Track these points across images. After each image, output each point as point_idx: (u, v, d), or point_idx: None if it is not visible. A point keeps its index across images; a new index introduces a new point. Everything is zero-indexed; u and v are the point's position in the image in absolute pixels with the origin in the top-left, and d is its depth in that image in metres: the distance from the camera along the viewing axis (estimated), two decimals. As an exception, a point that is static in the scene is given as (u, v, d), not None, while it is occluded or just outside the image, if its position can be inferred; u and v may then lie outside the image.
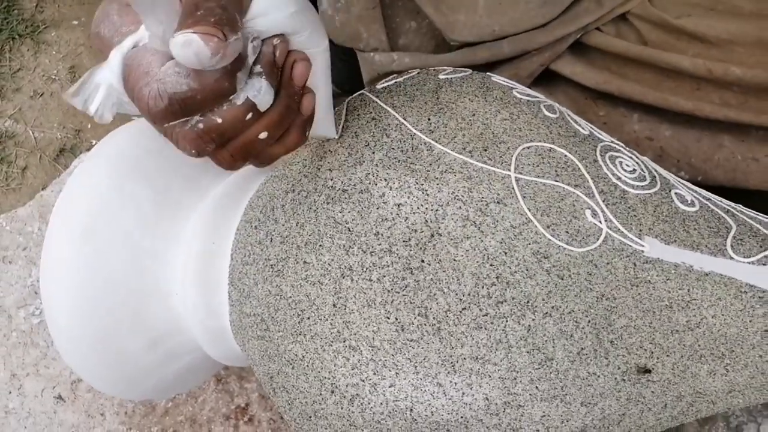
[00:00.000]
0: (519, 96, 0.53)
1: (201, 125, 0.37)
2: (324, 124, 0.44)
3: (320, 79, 0.41)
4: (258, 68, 0.37)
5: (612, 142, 0.53)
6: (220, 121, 0.37)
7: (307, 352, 0.47)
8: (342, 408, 0.46)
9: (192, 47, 0.32)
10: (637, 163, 0.52)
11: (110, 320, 0.57)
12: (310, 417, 0.49)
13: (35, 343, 0.91)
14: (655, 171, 0.52)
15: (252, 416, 0.87)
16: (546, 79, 0.72)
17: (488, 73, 0.57)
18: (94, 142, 1.13)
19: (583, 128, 0.53)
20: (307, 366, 0.47)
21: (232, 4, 0.36)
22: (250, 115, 0.38)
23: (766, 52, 0.61)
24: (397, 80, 0.54)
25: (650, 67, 0.66)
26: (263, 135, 0.39)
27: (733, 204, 0.53)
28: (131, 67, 0.37)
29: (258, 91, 0.37)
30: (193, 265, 0.58)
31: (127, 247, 0.57)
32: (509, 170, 0.47)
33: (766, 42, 0.61)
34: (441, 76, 0.54)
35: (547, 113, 0.52)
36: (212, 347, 0.62)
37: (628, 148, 0.53)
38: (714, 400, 0.48)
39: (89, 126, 1.14)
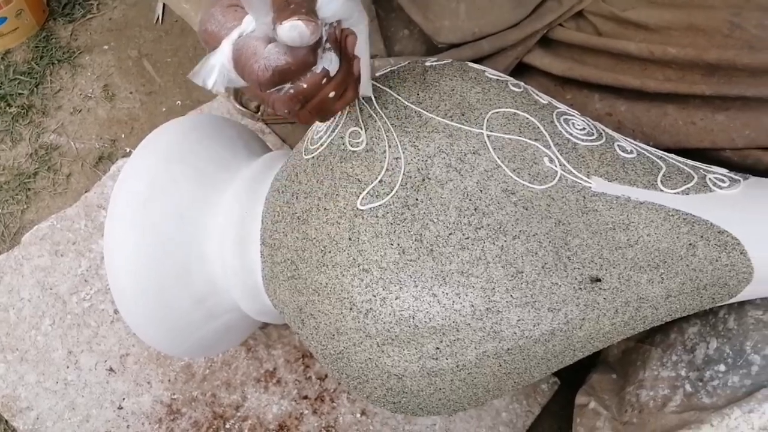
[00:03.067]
0: (490, 76, 0.66)
1: (292, 90, 0.50)
2: (365, 85, 0.57)
3: (363, 48, 0.53)
4: (328, 45, 0.49)
5: (567, 110, 0.66)
6: (305, 86, 0.50)
7: (329, 279, 0.60)
8: (359, 322, 0.59)
9: (297, 29, 0.45)
10: (587, 124, 0.65)
11: (161, 279, 0.70)
12: (333, 335, 0.62)
13: (87, 324, 1.03)
14: (603, 130, 0.66)
15: (279, 378, 0.99)
16: (520, 71, 0.86)
17: (465, 61, 0.70)
18: (128, 149, 1.26)
19: (543, 99, 0.66)
20: (330, 290, 0.60)
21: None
22: (324, 80, 0.50)
23: (696, 34, 0.73)
24: (392, 68, 0.68)
25: (605, 54, 0.79)
26: (332, 94, 0.52)
27: (666, 153, 0.66)
28: (240, 51, 0.48)
29: (330, 61, 0.50)
30: (230, 231, 0.72)
31: (175, 217, 0.70)
32: (482, 129, 0.60)
33: (696, 26, 0.73)
34: (427, 64, 0.68)
35: (513, 88, 0.65)
36: (247, 302, 0.75)
37: (581, 115, 0.66)
38: (656, 306, 0.61)
39: (122, 136, 1.27)
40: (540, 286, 0.58)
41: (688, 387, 0.70)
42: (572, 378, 0.94)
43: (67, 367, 1.01)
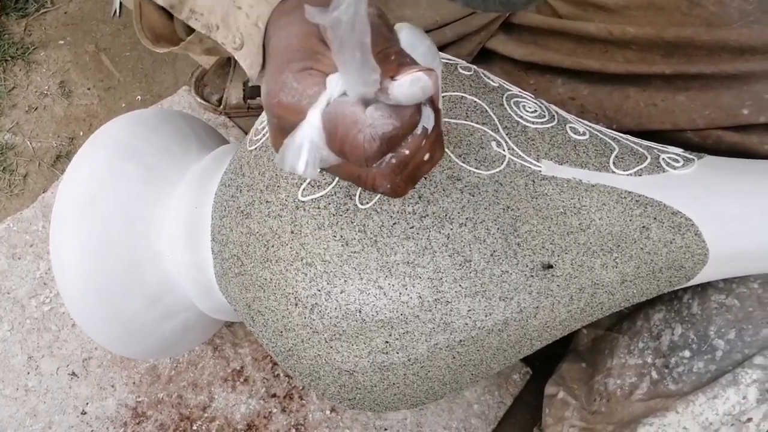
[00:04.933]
0: (439, 60, 0.64)
1: (394, 160, 0.42)
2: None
3: (440, 99, 0.46)
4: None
5: (519, 92, 0.65)
6: (407, 152, 0.42)
7: (273, 275, 0.59)
8: (305, 317, 0.58)
9: (420, 83, 0.38)
10: (539, 106, 0.64)
11: (112, 280, 0.69)
12: (281, 332, 0.61)
13: (47, 328, 1.01)
14: (555, 112, 0.65)
15: (247, 377, 0.98)
16: (485, 57, 0.85)
17: None
18: (87, 147, 1.24)
19: (493, 82, 0.65)
20: (275, 286, 0.59)
21: (398, 45, 0.42)
22: (423, 141, 0.43)
23: (655, 12, 0.72)
24: None
25: (566, 37, 0.78)
26: (426, 157, 0.44)
27: (621, 134, 0.66)
28: (335, 121, 0.40)
29: (428, 118, 0.42)
30: (180, 228, 0.70)
31: (122, 216, 0.69)
32: None
33: (655, 4, 0.72)
34: None
35: (462, 71, 0.64)
36: (202, 300, 0.74)
37: (534, 97, 0.65)
38: (611, 291, 0.61)
39: (81, 134, 1.25)
40: (490, 274, 0.57)
41: (654, 374, 0.70)
42: (544, 368, 0.94)
43: (28, 373, 0.99)
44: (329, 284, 0.57)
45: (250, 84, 1.18)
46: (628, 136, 0.65)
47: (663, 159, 0.61)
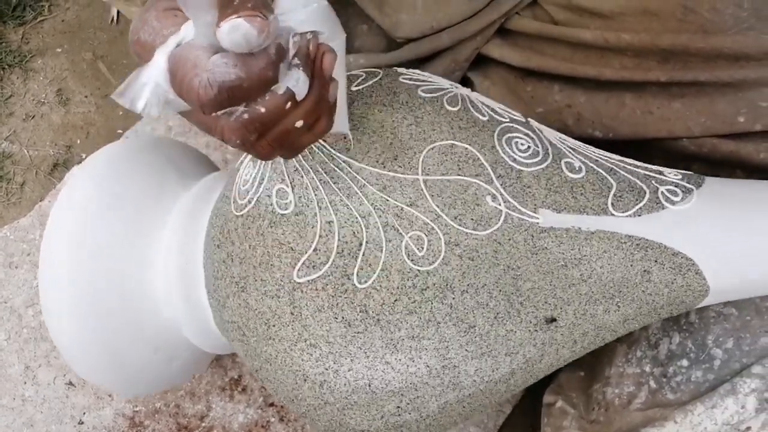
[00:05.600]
0: (423, 95, 0.55)
1: (246, 115, 0.36)
2: (340, 119, 0.44)
3: (340, 71, 0.40)
4: (295, 60, 0.36)
5: (510, 125, 0.55)
6: (263, 110, 0.37)
7: (278, 352, 0.51)
8: (315, 392, 0.51)
9: (240, 30, 0.32)
10: (531, 139, 0.54)
11: (112, 338, 0.61)
12: (293, 400, 0.54)
13: (44, 337, 0.92)
14: (549, 144, 0.55)
15: (245, 386, 0.90)
16: (481, 64, 0.76)
17: (397, 70, 0.60)
18: (84, 155, 1.13)
19: (483, 115, 0.55)
20: (281, 363, 0.51)
21: None
22: (289, 104, 0.37)
23: (650, 19, 0.64)
24: None
25: (562, 43, 0.69)
26: (299, 123, 0.39)
27: (617, 159, 0.56)
28: (178, 64, 0.36)
29: (297, 81, 0.36)
30: (173, 285, 0.61)
31: (113, 276, 0.60)
32: (417, 174, 0.50)
33: (650, 11, 0.64)
34: (353, 88, 0.55)
35: (449, 107, 0.54)
36: (207, 344, 0.66)
37: (524, 125, 0.56)
38: (614, 329, 0.53)
39: (78, 142, 1.15)
40: (495, 335, 0.49)
41: (652, 383, 0.63)
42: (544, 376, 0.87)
43: (25, 382, 0.90)
44: (336, 363, 0.49)
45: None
46: (625, 163, 0.56)
47: (662, 193, 0.52)
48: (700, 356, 0.60)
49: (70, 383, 0.90)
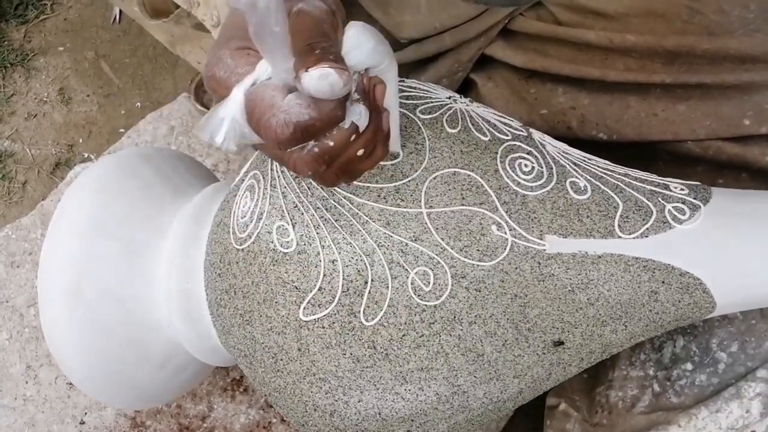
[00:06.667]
0: (422, 117, 0.51)
1: (316, 149, 0.38)
2: (394, 140, 0.45)
3: (393, 100, 0.42)
4: (356, 95, 0.38)
5: (513, 143, 0.52)
6: (332, 144, 0.38)
7: (287, 384, 0.49)
8: (326, 420, 0.49)
9: (329, 79, 0.34)
10: (535, 158, 0.51)
11: (116, 360, 0.58)
12: (303, 425, 0.52)
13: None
14: (552, 160, 0.52)
15: (246, 387, 0.88)
16: (486, 66, 0.74)
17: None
18: (86, 155, 1.11)
19: (484, 135, 0.52)
20: (290, 393, 0.50)
21: (336, 43, 0.38)
22: (353, 137, 0.39)
23: (655, 20, 0.61)
24: None
25: (566, 44, 0.67)
26: (360, 152, 0.40)
27: (622, 173, 0.53)
28: (254, 102, 0.37)
29: (359, 115, 0.38)
30: (175, 304, 0.59)
31: (111, 299, 0.57)
32: (420, 207, 0.47)
33: (655, 12, 0.61)
34: None
35: (449, 129, 0.51)
36: (212, 360, 0.64)
37: (526, 141, 0.53)
38: (620, 346, 0.51)
39: (80, 141, 1.12)
40: (503, 361, 0.48)
41: (656, 387, 0.62)
42: None
43: (26, 382, 0.88)
44: (345, 395, 0.47)
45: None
46: (631, 174, 0.53)
47: (669, 211, 0.50)
48: (705, 360, 0.59)
49: (72, 383, 0.87)
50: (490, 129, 0.52)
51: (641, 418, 0.61)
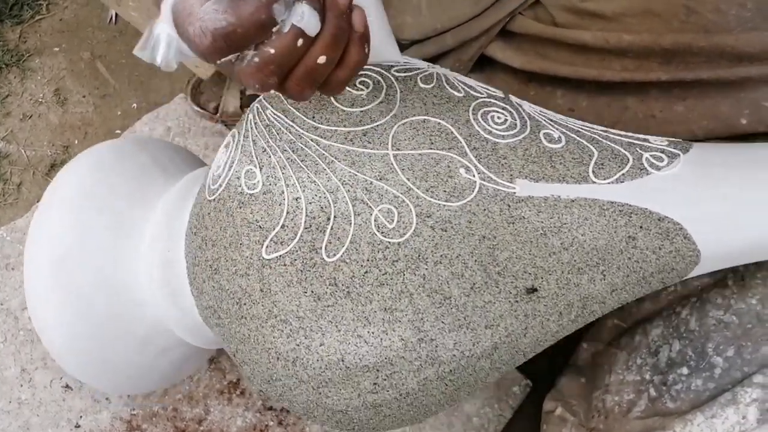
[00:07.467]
0: (396, 74, 0.56)
1: (256, 59, 0.38)
2: (386, 48, 0.44)
3: None
4: None
5: (487, 100, 0.57)
6: (272, 51, 0.38)
7: (251, 331, 0.53)
8: (289, 370, 0.53)
9: None
10: (509, 112, 0.56)
11: (98, 334, 0.64)
12: (269, 381, 0.56)
13: (41, 340, 0.94)
14: (527, 116, 0.56)
15: (243, 390, 0.93)
16: (486, 68, 0.81)
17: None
18: (81, 155, 1.18)
19: (458, 91, 0.57)
20: (254, 342, 0.54)
21: None
22: (300, 42, 0.38)
23: (652, 20, 0.67)
24: None
25: (564, 46, 0.73)
26: (322, 59, 0.40)
27: (601, 129, 0.58)
28: (177, 14, 0.37)
29: (301, 16, 0.37)
30: (156, 274, 0.64)
31: (94, 270, 0.63)
32: (387, 149, 0.52)
33: (652, 12, 0.67)
34: None
35: (422, 85, 0.56)
36: (193, 338, 0.69)
37: (502, 100, 0.57)
38: (602, 301, 0.54)
39: (76, 142, 1.20)
40: (472, 306, 0.51)
41: (652, 391, 0.65)
42: (545, 380, 0.87)
43: (21, 385, 0.94)
44: (307, 338, 0.51)
45: (247, 92, 1.11)
46: (610, 131, 0.57)
47: (646, 159, 0.53)
48: (701, 364, 0.61)
49: (67, 386, 0.93)
50: (466, 88, 0.57)
51: (637, 423, 0.64)
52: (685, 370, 0.62)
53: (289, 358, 0.52)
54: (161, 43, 0.38)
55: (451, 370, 0.53)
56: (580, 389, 0.77)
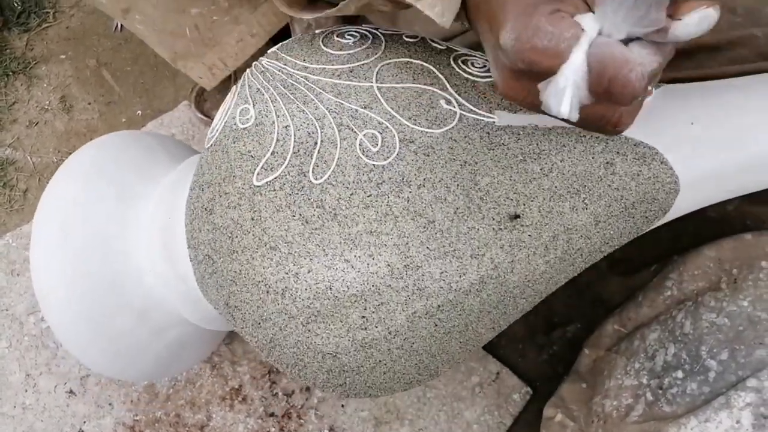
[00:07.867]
0: (384, 32, 0.64)
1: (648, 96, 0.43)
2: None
3: None
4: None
5: (468, 52, 0.62)
6: (650, 87, 0.43)
7: (242, 265, 0.58)
8: (278, 304, 0.57)
9: (709, 20, 0.38)
10: (488, 61, 0.62)
11: (95, 301, 0.69)
12: (259, 324, 0.60)
13: (46, 345, 1.00)
14: None
15: (245, 396, 0.97)
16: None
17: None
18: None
19: (440, 45, 0.63)
20: (245, 277, 0.58)
21: None
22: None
23: None
24: (283, 42, 0.66)
25: None
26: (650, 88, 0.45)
27: None
28: (604, 62, 0.40)
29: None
30: (157, 240, 0.70)
31: (98, 236, 0.69)
32: (372, 82, 0.58)
33: None
34: (317, 31, 0.65)
35: (407, 39, 0.62)
36: (190, 311, 0.73)
37: (482, 55, 0.62)
38: (587, 234, 0.58)
39: (82, 149, 1.26)
40: (456, 232, 0.55)
41: (649, 395, 0.67)
42: (545, 388, 0.91)
43: (25, 390, 0.98)
44: (296, 265, 0.56)
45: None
46: None
47: (622, 91, 0.59)
48: (695, 368, 0.64)
49: (71, 392, 0.98)
50: (448, 45, 0.64)
51: (634, 428, 0.67)
52: (680, 374, 0.65)
53: (278, 290, 0.57)
54: (568, 94, 0.42)
55: (439, 306, 0.57)
56: (581, 395, 0.80)
